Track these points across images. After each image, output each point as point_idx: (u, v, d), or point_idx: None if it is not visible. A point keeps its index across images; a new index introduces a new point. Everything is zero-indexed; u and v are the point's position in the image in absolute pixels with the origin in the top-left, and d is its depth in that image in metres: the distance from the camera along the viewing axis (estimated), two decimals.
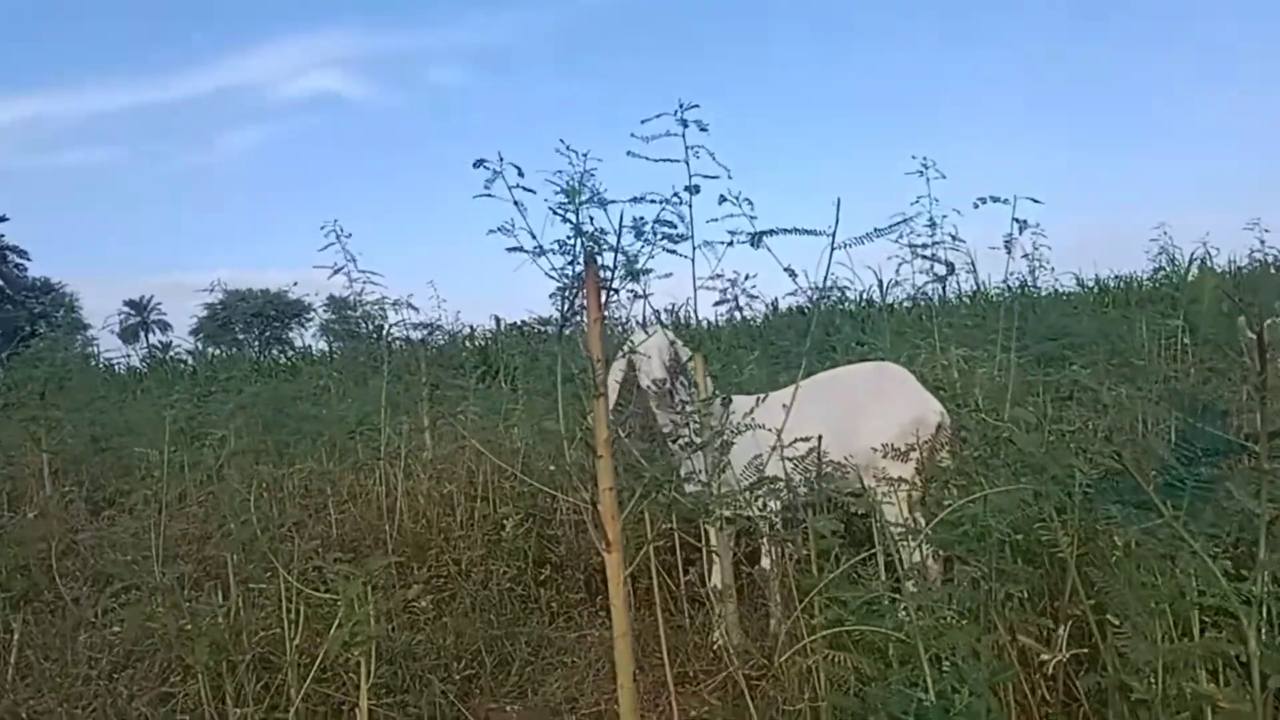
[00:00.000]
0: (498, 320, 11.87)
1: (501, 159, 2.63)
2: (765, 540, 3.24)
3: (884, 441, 3.51)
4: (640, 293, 3.81)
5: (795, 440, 3.21)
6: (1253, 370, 1.54)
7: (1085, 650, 2.34)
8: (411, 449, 5.67)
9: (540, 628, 4.32)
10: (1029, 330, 7.58)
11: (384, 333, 7.10)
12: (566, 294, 2.71)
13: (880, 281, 11.89)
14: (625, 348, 3.72)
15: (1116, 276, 11.85)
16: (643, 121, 3.30)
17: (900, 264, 5.89)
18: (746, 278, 4.73)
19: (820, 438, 3.09)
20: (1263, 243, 7.29)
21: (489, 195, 2.65)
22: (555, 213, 2.53)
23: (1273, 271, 8.42)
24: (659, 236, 2.95)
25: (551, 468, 4.39)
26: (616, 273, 2.58)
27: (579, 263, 2.58)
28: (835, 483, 3.31)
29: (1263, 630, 1.60)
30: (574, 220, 2.53)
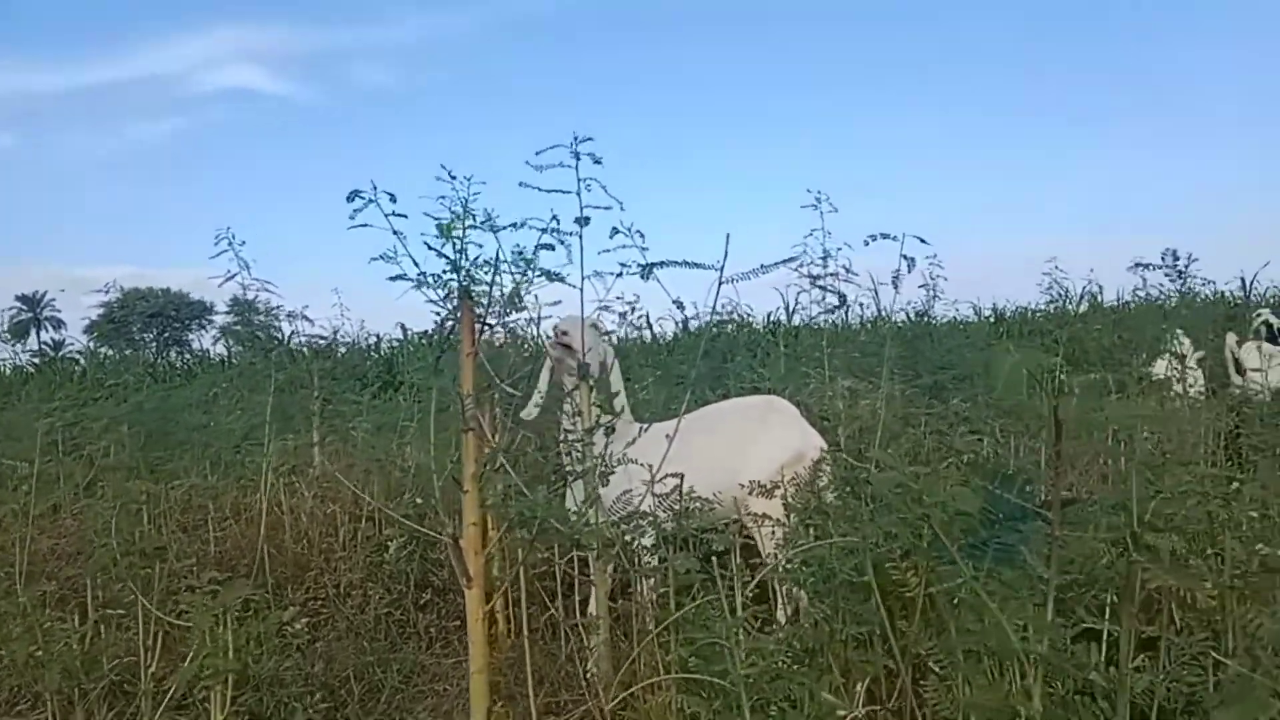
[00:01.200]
0: (405, 329, 11.70)
1: (375, 188, 2.63)
2: (633, 574, 3.27)
3: (769, 476, 3.58)
4: (531, 317, 3.85)
5: (668, 475, 3.24)
6: (1049, 443, 1.63)
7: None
8: (298, 465, 5.57)
9: (415, 654, 4.27)
10: (923, 360, 7.80)
11: (278, 343, 6.97)
12: (442, 326, 2.71)
13: (788, 307, 12.14)
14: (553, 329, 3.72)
15: (1016, 307, 12.30)
16: (537, 153, 3.34)
17: (799, 293, 6.04)
18: (633, 308, 4.75)
19: (682, 476, 3.13)
20: (1145, 280, 7.56)
21: (365, 226, 2.65)
22: (429, 247, 2.53)
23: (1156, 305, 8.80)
24: (537, 273, 2.98)
25: (419, 500, 4.35)
26: (490, 308, 2.58)
27: (454, 297, 2.58)
28: (704, 518, 3.36)
29: (1062, 684, 1.68)
30: (449, 255, 2.53)
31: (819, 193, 5.47)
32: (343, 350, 11.33)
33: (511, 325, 3.44)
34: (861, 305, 9.52)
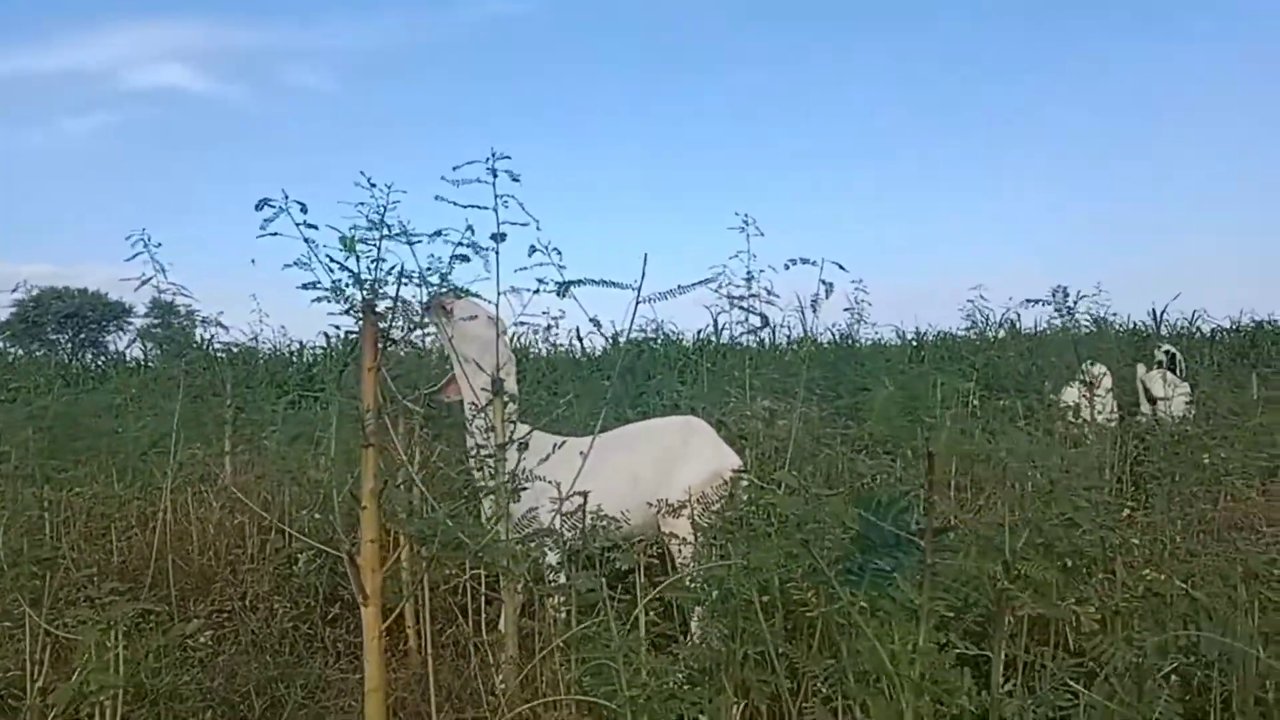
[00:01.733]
0: (328, 337, 11.52)
1: (286, 197, 2.60)
2: (535, 592, 3.26)
3: (690, 495, 3.61)
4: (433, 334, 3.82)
5: (576, 493, 3.24)
6: (925, 472, 1.67)
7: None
8: (207, 474, 5.46)
9: (321, 669, 4.20)
10: (845, 381, 7.93)
11: (194, 348, 6.82)
12: (346, 341, 2.68)
13: (717, 327, 12.25)
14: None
15: (938, 332, 12.56)
16: (454, 168, 3.35)
17: (718, 313, 6.11)
18: (556, 323, 4.74)
19: (587, 494, 3.13)
20: (1058, 310, 7.71)
21: (276, 235, 2.62)
22: (332, 260, 2.50)
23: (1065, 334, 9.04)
24: (447, 288, 2.97)
25: (316, 515, 4.29)
26: (393, 323, 2.56)
27: (357, 311, 2.56)
28: (616, 537, 3.36)
29: (944, 708, 1.72)
30: (351, 269, 2.51)
31: (746, 216, 5.56)
32: (263, 357, 11.14)
33: (419, 339, 3.42)
34: (789, 327, 9.65)
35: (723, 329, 12.04)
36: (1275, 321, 13.13)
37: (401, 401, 2.90)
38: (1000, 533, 1.70)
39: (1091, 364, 6.16)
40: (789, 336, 10.92)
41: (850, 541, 1.91)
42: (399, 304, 2.50)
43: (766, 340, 9.26)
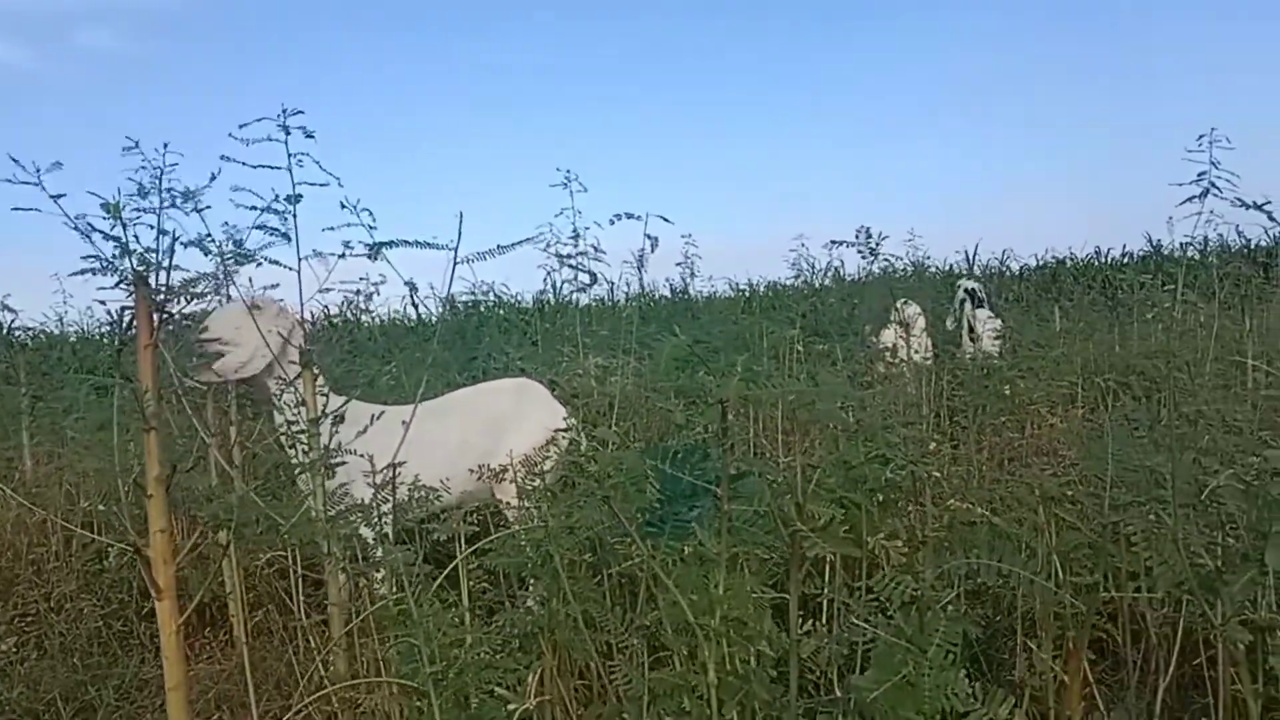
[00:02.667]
0: (111, 315, 10.81)
1: (39, 169, 2.38)
2: (350, 571, 3.14)
3: (526, 457, 3.54)
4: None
5: (390, 465, 3.12)
6: (717, 421, 1.67)
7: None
8: (3, 469, 5.07)
9: (137, 668, 3.96)
10: (681, 334, 7.99)
11: None
12: (119, 317, 2.48)
13: (553, 286, 12.15)
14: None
15: (767, 283, 12.84)
16: (241, 125, 3.14)
17: (548, 273, 6.04)
18: (369, 293, 4.57)
19: (396, 465, 3.03)
20: (860, 252, 7.87)
21: (35, 210, 2.40)
22: (95, 230, 2.30)
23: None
24: (230, 255, 2.80)
25: (101, 507, 4.04)
26: (168, 296, 2.39)
27: (129, 283, 2.37)
28: (442, 506, 3.27)
29: (746, 661, 1.73)
30: (118, 237, 2.32)
31: (568, 172, 5.49)
32: (71, 341, 10.43)
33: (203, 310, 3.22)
34: (627, 284, 9.66)
35: (560, 288, 11.99)
36: (1075, 256, 14.06)
37: (182, 380, 2.72)
38: (794, 474, 1.71)
39: (905, 304, 6.37)
40: (627, 293, 10.95)
41: (642, 495, 1.90)
42: (169, 274, 2.32)
43: (605, 297, 9.24)
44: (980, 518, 2.85)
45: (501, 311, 10.17)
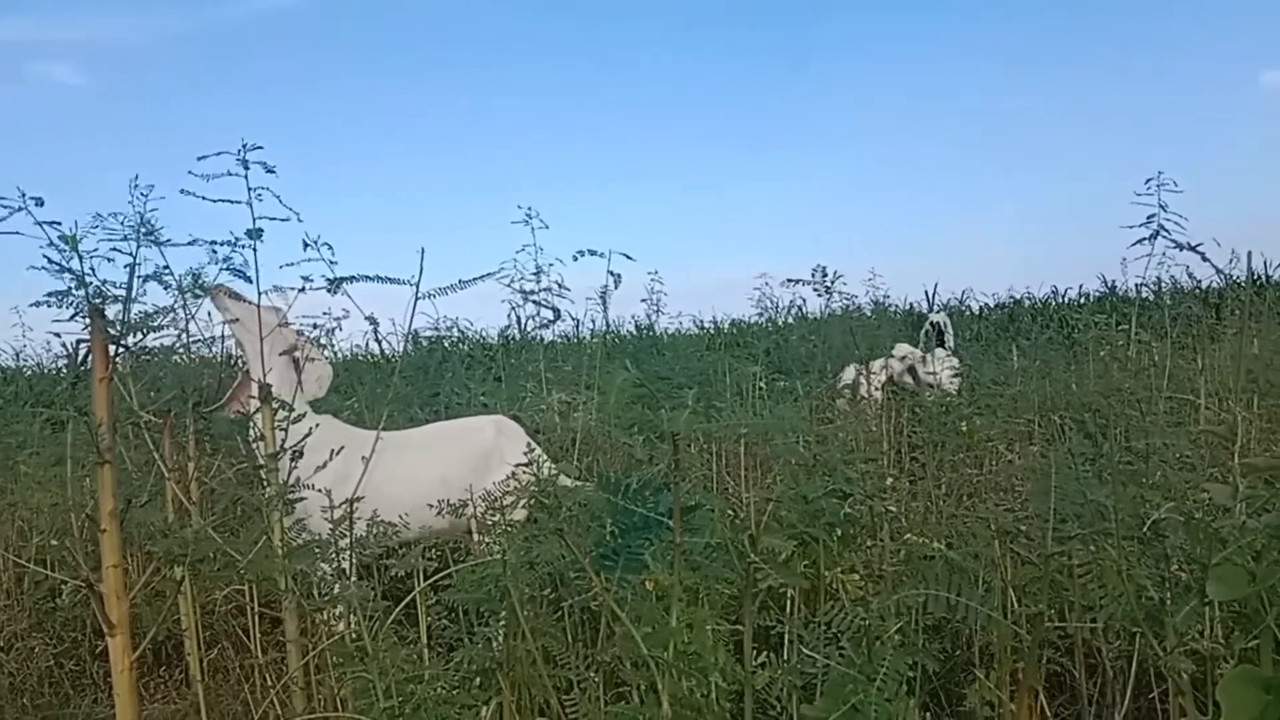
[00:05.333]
0: (67, 348, 10.65)
1: (23, 194, 2.38)
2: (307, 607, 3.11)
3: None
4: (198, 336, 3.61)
5: (350, 500, 3.11)
6: (670, 456, 1.70)
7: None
8: None
9: (90, 707, 3.89)
10: (646, 370, 8.02)
11: None
12: (75, 350, 2.47)
13: (519, 322, 12.15)
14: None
15: (732, 320, 12.94)
16: (199, 159, 3.14)
17: (511, 309, 6.08)
18: (334, 327, 4.57)
19: (355, 500, 3.02)
20: (816, 289, 7.97)
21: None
22: (52, 262, 2.30)
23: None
24: (188, 290, 2.80)
25: (54, 543, 3.98)
26: (129, 329, 2.38)
27: (84, 316, 2.36)
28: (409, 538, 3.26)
29: (704, 694, 1.74)
30: (75, 271, 2.32)
31: (529, 209, 5.54)
32: (27, 375, 10.28)
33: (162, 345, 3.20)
34: (592, 320, 9.69)
35: (525, 324, 11.99)
36: (1033, 296, 14.31)
37: (139, 414, 2.70)
38: (748, 508, 1.74)
39: (895, 349, 6.58)
40: (592, 329, 10.97)
41: (599, 530, 1.91)
42: (127, 307, 2.32)
43: (571, 334, 9.27)
44: (937, 552, 2.89)
45: (465, 347, 10.15)
